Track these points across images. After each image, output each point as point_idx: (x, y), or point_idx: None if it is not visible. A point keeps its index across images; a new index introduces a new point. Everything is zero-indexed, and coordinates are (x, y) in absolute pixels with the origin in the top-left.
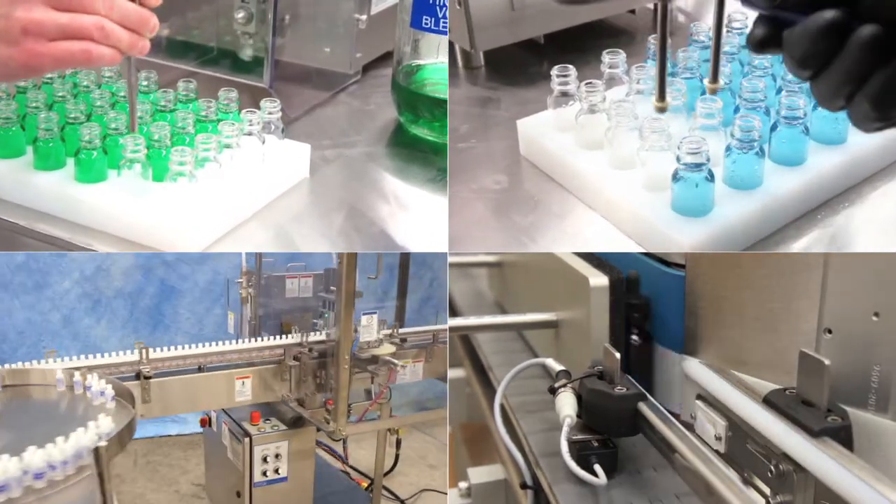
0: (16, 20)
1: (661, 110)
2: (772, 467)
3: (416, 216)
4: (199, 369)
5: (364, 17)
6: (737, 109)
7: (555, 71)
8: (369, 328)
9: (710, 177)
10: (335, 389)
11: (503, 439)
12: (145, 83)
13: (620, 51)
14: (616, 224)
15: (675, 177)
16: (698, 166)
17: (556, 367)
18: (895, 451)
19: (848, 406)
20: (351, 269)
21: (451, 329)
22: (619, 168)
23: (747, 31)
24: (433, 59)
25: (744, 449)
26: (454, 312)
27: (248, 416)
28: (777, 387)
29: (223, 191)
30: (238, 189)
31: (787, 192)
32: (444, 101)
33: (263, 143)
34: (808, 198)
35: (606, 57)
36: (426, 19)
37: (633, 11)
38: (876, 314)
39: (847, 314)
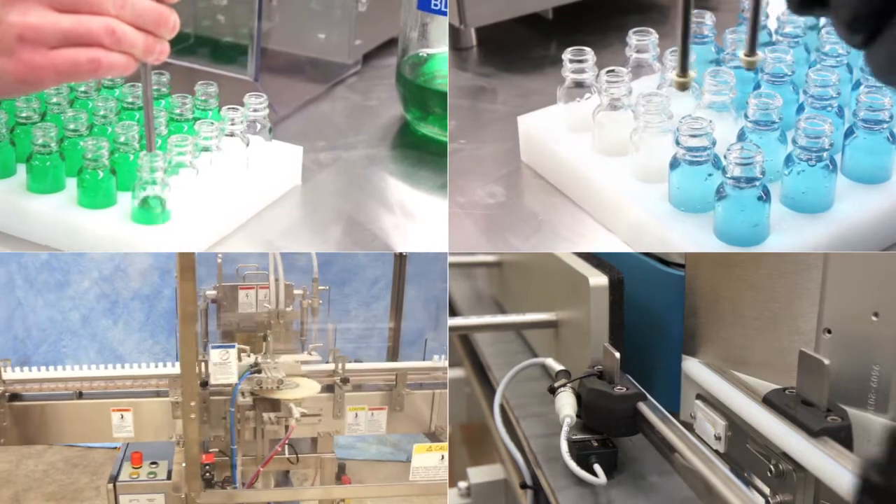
0: (9, 26)
1: (683, 87)
2: (771, 467)
3: (426, 228)
4: (80, 395)
5: None
6: (801, 108)
7: (567, 55)
8: (224, 367)
9: (766, 195)
10: (186, 443)
11: (503, 439)
12: (109, 77)
13: (651, 30)
14: (642, 252)
15: (720, 194)
16: (750, 181)
17: (556, 366)
18: None
19: (847, 406)
20: (188, 281)
21: (451, 329)
22: (647, 180)
23: None
24: (444, 48)
25: (743, 449)
26: (454, 312)
27: (161, 452)
28: (777, 386)
29: (201, 201)
30: (218, 199)
31: (866, 217)
32: None
33: (248, 145)
34: (894, 225)
35: (633, 38)
36: (436, 0)
37: None
38: (875, 314)
39: (846, 314)
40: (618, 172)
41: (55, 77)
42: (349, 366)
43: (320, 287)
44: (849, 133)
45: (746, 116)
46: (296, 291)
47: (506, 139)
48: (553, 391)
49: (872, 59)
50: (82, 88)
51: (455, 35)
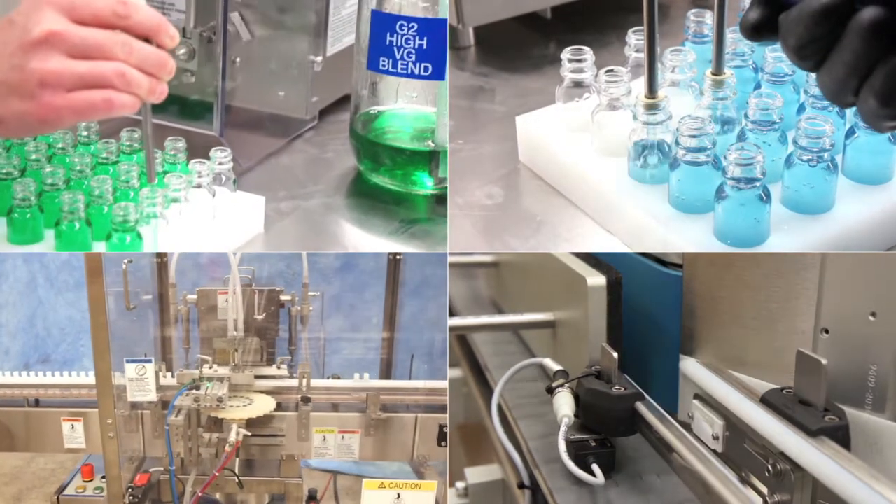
0: (31, 72)
1: (651, 108)
2: (769, 467)
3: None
4: (37, 403)
5: (319, 58)
6: (801, 108)
7: (565, 54)
8: (140, 383)
9: (766, 196)
10: (105, 464)
11: (500, 439)
12: (85, 133)
13: None
14: (640, 252)
15: (720, 195)
16: (750, 182)
17: (554, 366)
18: (893, 450)
19: (845, 406)
20: (96, 285)
21: (450, 329)
22: (645, 181)
23: None
24: (392, 104)
25: (741, 448)
26: (452, 313)
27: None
28: (774, 386)
29: (171, 250)
30: (187, 247)
31: (867, 218)
32: (405, 150)
33: (214, 195)
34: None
35: (633, 37)
36: (384, 61)
37: None
38: (873, 314)
39: (844, 314)
40: (617, 173)
41: (73, 117)
42: (316, 382)
43: (311, 293)
44: (850, 133)
45: (747, 116)
46: (283, 297)
47: (504, 139)
48: (551, 391)
49: (820, 83)
50: (59, 145)
51: (453, 34)
